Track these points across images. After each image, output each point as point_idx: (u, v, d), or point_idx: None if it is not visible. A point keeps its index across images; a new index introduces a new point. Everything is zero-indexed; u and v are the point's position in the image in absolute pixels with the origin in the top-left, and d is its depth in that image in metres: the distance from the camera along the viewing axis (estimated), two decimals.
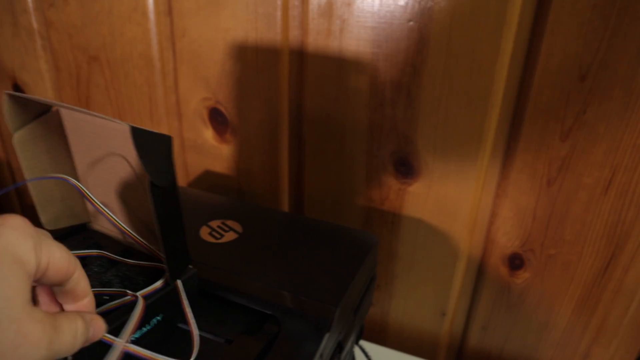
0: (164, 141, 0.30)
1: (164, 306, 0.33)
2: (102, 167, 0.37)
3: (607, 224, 0.44)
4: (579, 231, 0.45)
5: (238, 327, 0.35)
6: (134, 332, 0.29)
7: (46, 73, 0.61)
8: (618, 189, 0.42)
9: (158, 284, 0.33)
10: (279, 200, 0.56)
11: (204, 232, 0.44)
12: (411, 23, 0.42)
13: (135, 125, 0.27)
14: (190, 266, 0.35)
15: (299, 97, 0.50)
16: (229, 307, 0.37)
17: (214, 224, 0.46)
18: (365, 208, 0.52)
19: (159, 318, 0.33)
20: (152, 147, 0.29)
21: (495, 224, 0.48)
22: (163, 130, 0.58)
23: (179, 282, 0.33)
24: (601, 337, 0.49)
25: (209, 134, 0.56)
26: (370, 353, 0.54)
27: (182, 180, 0.61)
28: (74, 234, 0.40)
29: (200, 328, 0.35)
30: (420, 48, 0.43)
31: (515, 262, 0.49)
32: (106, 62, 0.57)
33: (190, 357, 0.31)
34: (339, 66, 0.47)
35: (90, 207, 0.40)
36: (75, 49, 0.58)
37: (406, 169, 0.49)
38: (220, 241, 0.43)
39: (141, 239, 0.37)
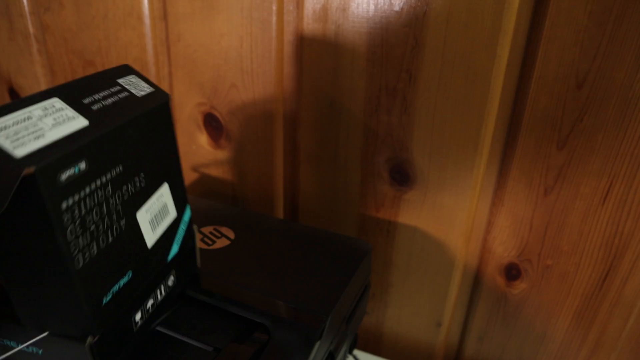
0: None
1: None
2: None
3: (605, 235, 0.43)
4: (576, 242, 0.44)
5: (227, 335, 0.35)
6: None
7: (42, 77, 0.61)
8: (616, 199, 0.42)
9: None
10: (274, 207, 0.56)
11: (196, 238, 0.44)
12: (406, 29, 0.42)
13: None
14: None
15: (293, 103, 0.50)
16: (219, 315, 0.36)
17: (206, 230, 0.45)
18: (360, 215, 0.52)
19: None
20: None
21: (491, 233, 0.47)
22: None
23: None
24: (599, 350, 0.48)
25: (203, 139, 0.56)
26: None
27: None
28: None
29: (188, 336, 0.34)
30: (415, 54, 0.43)
31: (512, 272, 0.48)
32: (102, 67, 0.57)
33: None
34: (334, 72, 0.46)
35: None
36: (70, 53, 0.58)
37: (401, 176, 0.48)
38: (211, 247, 0.43)
39: None
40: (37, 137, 0.23)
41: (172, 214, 0.34)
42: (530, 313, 0.49)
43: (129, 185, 0.28)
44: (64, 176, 0.23)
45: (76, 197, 0.24)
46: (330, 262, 0.41)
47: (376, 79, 0.45)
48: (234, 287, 0.37)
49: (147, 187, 0.30)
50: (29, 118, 0.24)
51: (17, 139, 0.22)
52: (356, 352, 0.55)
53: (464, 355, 0.54)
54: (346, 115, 0.48)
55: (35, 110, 0.24)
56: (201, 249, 0.42)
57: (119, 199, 0.28)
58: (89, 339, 0.27)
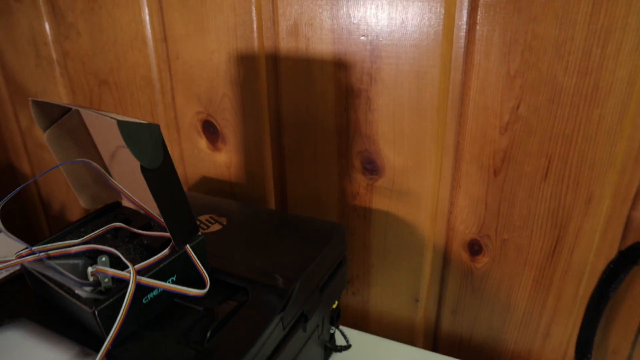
0: (152, 129, 0.35)
1: (176, 268, 0.39)
2: (121, 156, 0.43)
3: (550, 209, 0.49)
4: (527, 216, 0.50)
5: (215, 297, 0.42)
6: (130, 300, 0.35)
7: (64, 97, 0.70)
8: (555, 175, 0.47)
9: (164, 252, 0.39)
10: (266, 201, 0.63)
11: None
12: (363, 38, 0.49)
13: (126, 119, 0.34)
14: (199, 233, 0.41)
15: (276, 107, 0.57)
16: (220, 284, 0.43)
17: (203, 217, 0.53)
18: (339, 204, 0.58)
19: (173, 278, 0.39)
20: (141, 136, 0.34)
21: (453, 213, 0.53)
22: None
23: (188, 247, 0.39)
24: (558, 316, 0.53)
25: (203, 143, 0.63)
26: (353, 338, 0.59)
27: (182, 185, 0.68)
28: (110, 211, 0.48)
29: (184, 300, 0.41)
30: (373, 59, 0.50)
31: (475, 247, 0.53)
32: (114, 85, 0.66)
33: (203, 289, 0.39)
34: (307, 78, 0.54)
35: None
36: (87, 75, 0.67)
37: (372, 166, 0.54)
38: (206, 231, 0.50)
39: (153, 213, 0.44)
40: None
41: None
42: (494, 285, 0.54)
43: None
44: None
45: None
46: (306, 240, 0.48)
47: (343, 82, 0.52)
48: (221, 260, 0.44)
49: None
50: None
51: None
52: (345, 329, 0.61)
53: (441, 329, 0.60)
54: (321, 116, 0.55)
55: None
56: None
57: None
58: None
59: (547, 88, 0.44)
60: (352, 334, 0.60)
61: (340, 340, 0.58)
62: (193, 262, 0.40)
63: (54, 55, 0.68)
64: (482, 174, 0.50)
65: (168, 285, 0.37)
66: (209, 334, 0.36)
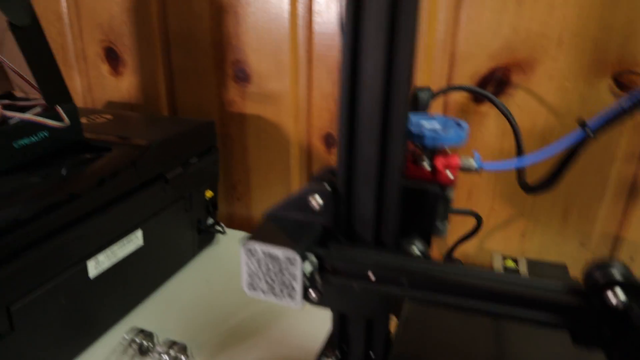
0: None
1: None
2: (8, 42, 0.51)
3: None
4: None
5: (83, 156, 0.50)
6: None
7: None
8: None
9: (36, 109, 0.46)
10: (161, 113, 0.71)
11: (83, 120, 0.59)
12: None
13: None
14: (72, 103, 0.48)
15: (165, 29, 0.66)
16: (90, 148, 0.51)
17: (93, 116, 0.61)
18: (220, 112, 0.67)
19: (45, 134, 0.46)
20: None
21: (311, 111, 0.62)
22: (74, 73, 0.74)
23: (59, 107, 0.47)
24: None
25: (106, 69, 0.72)
26: (237, 237, 0.67)
27: None
28: (3, 97, 0.54)
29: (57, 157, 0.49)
30: None
31: (329, 140, 0.63)
32: None
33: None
34: (188, 3, 0.63)
35: (11, 77, 0.55)
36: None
37: (243, 74, 0.64)
38: (91, 123, 0.58)
39: (33, 84, 0.51)
40: None
41: None
42: None
43: None
44: None
45: None
46: (176, 127, 0.56)
47: (215, 3, 0.61)
48: (95, 134, 0.53)
49: None
50: None
51: None
52: (231, 230, 0.69)
53: None
54: (200, 33, 0.64)
55: None
56: (84, 123, 0.57)
57: None
58: None
59: None
60: (237, 233, 0.68)
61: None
62: (62, 120, 0.48)
63: None
64: (328, 73, 0.60)
65: (29, 116, 0.45)
66: (67, 170, 0.44)
